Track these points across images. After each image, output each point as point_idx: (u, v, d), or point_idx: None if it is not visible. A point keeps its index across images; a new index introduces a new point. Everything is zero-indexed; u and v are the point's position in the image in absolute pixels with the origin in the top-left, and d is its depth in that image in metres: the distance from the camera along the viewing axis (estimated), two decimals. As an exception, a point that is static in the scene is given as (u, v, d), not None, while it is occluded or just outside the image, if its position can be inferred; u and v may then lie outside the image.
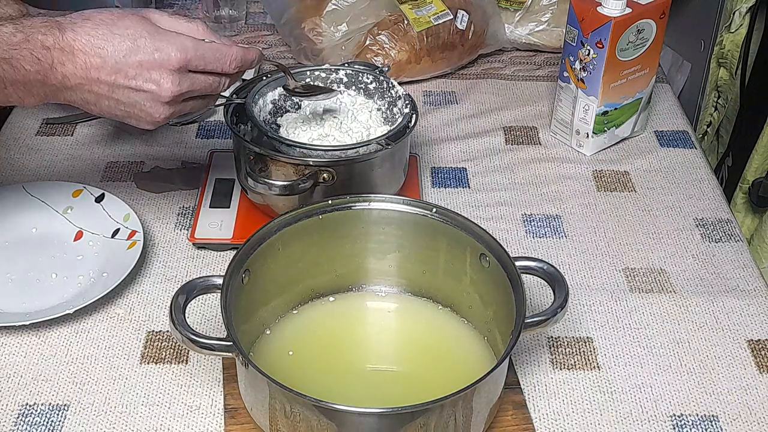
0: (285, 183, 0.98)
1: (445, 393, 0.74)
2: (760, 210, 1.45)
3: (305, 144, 1.02)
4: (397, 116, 1.08)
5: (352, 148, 1.01)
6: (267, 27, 1.54)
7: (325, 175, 0.99)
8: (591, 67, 1.18)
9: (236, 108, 1.07)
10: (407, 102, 1.07)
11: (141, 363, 0.92)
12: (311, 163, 0.99)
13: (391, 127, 1.05)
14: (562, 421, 0.88)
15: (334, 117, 1.07)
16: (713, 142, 1.62)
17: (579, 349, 0.95)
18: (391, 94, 1.10)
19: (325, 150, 1.01)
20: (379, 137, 1.03)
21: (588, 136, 1.24)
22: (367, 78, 1.12)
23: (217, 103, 1.17)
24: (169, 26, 0.87)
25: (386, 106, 1.11)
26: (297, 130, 1.06)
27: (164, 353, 0.93)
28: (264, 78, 1.10)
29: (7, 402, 0.88)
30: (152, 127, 0.89)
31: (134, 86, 0.84)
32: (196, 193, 1.14)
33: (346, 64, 1.15)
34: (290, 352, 0.91)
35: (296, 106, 1.11)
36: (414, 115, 1.06)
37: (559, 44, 1.38)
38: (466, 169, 1.22)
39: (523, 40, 1.47)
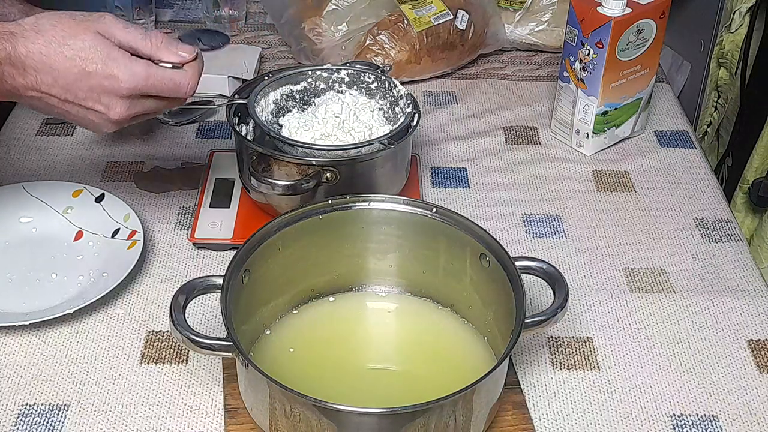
0: (288, 183, 0.98)
1: (445, 393, 0.74)
2: (760, 210, 1.45)
3: (308, 144, 1.02)
4: (399, 116, 1.08)
5: (355, 148, 1.01)
6: (267, 27, 1.53)
7: (328, 174, 0.99)
8: (591, 67, 1.19)
9: (238, 108, 1.07)
10: (409, 101, 1.07)
11: (141, 363, 0.92)
12: (314, 162, 0.99)
13: (394, 127, 1.05)
14: (562, 421, 0.88)
15: (336, 117, 1.07)
16: (713, 142, 1.62)
17: (579, 349, 0.95)
18: (393, 93, 1.10)
19: (327, 149, 1.01)
20: (381, 137, 1.03)
21: (588, 136, 1.24)
22: (369, 78, 1.12)
23: (218, 103, 1.18)
24: (123, 40, 0.86)
25: (388, 105, 1.10)
26: (299, 129, 1.06)
27: (164, 353, 0.93)
28: (266, 78, 1.10)
29: (7, 402, 0.88)
30: (100, 134, 0.88)
31: (85, 105, 0.85)
32: (196, 193, 1.14)
33: (348, 64, 1.15)
34: (291, 349, 0.91)
35: (298, 106, 1.11)
36: (416, 115, 1.06)
37: (559, 44, 1.38)
38: (466, 169, 1.22)
39: (523, 40, 1.47)
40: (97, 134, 0.88)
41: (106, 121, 0.87)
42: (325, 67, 1.13)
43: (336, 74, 1.12)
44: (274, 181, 0.98)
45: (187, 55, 0.88)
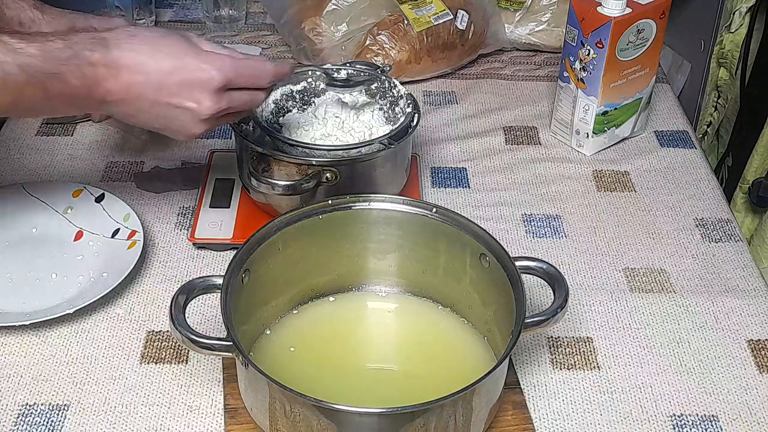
0: (288, 183, 0.98)
1: (445, 393, 0.74)
2: (760, 210, 1.45)
3: (308, 144, 1.02)
4: (399, 116, 1.08)
5: (355, 148, 1.01)
6: (267, 27, 1.53)
7: (328, 174, 0.99)
8: (591, 67, 1.18)
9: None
10: (409, 101, 1.07)
11: (141, 363, 0.92)
12: (314, 162, 0.99)
13: (394, 127, 1.05)
14: (562, 421, 0.88)
15: (336, 117, 1.07)
16: (713, 142, 1.62)
17: (579, 349, 0.95)
18: (393, 93, 1.10)
19: (327, 150, 1.01)
20: (381, 137, 1.03)
21: (588, 136, 1.24)
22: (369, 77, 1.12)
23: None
24: (208, 48, 0.90)
25: (388, 105, 1.10)
26: (299, 130, 1.06)
27: (164, 353, 0.93)
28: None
29: (7, 402, 0.88)
30: (188, 140, 0.92)
31: (175, 103, 0.87)
32: (196, 193, 1.14)
33: (348, 64, 1.15)
34: (291, 348, 0.91)
35: (298, 107, 1.11)
36: (416, 115, 1.06)
37: (559, 44, 1.38)
38: (466, 169, 1.22)
39: (523, 40, 1.47)
40: (184, 140, 0.92)
41: (196, 120, 0.88)
42: (325, 66, 1.13)
43: (336, 74, 1.12)
44: (274, 181, 0.98)
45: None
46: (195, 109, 0.87)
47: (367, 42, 1.35)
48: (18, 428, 0.85)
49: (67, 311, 0.94)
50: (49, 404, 0.88)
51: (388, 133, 1.03)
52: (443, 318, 0.96)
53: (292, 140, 1.01)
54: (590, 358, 0.95)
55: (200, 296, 0.84)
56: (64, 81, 0.82)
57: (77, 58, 0.83)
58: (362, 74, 1.11)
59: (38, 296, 0.98)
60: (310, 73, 1.12)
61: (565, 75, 1.23)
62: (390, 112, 1.10)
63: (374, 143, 1.02)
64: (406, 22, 1.36)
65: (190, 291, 0.83)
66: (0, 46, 0.80)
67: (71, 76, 0.83)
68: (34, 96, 0.82)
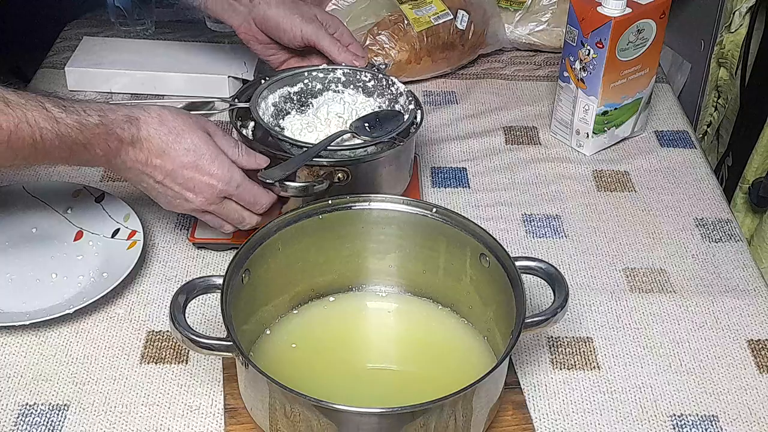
0: (302, 184, 0.98)
1: (445, 393, 0.74)
2: (760, 210, 1.45)
3: (314, 145, 1.01)
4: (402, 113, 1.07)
5: (361, 148, 1.01)
6: (267, 27, 1.53)
7: (339, 174, 0.99)
8: (591, 67, 1.18)
9: (238, 112, 1.07)
10: (410, 99, 1.07)
11: (141, 363, 0.92)
12: (325, 163, 0.98)
13: (398, 125, 1.04)
14: (562, 421, 0.88)
15: (339, 117, 1.07)
16: (713, 142, 1.62)
17: (579, 349, 0.95)
18: (392, 91, 1.10)
19: (335, 150, 1.00)
20: (387, 134, 1.02)
21: (588, 136, 1.24)
22: (365, 76, 1.11)
23: (221, 107, 1.16)
24: (224, 147, 0.96)
25: (387, 103, 1.10)
26: (302, 131, 1.05)
27: (164, 353, 0.93)
28: (263, 81, 1.09)
29: (7, 402, 0.88)
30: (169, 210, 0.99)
31: (176, 190, 0.95)
32: (196, 193, 1.14)
33: (344, 63, 1.14)
34: (293, 345, 0.91)
35: (297, 108, 1.11)
36: (419, 112, 1.06)
37: (559, 44, 1.38)
38: (466, 169, 1.22)
39: (523, 40, 1.47)
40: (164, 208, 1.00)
41: (184, 206, 0.96)
42: (321, 67, 1.12)
43: (332, 74, 1.12)
44: (287, 184, 0.97)
45: (263, 162, 0.98)
46: (189, 199, 0.95)
47: (367, 42, 1.35)
48: (18, 428, 0.85)
49: (67, 311, 0.94)
50: (49, 404, 0.88)
51: (393, 131, 1.02)
52: (443, 318, 0.96)
53: (301, 142, 1.00)
54: (590, 358, 0.95)
55: (200, 296, 0.84)
56: (89, 149, 0.90)
57: (108, 135, 0.90)
58: (359, 73, 1.11)
59: (38, 296, 0.98)
60: (306, 74, 1.12)
61: (565, 75, 1.23)
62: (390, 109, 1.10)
63: (380, 142, 1.01)
64: (406, 22, 1.36)
65: (190, 291, 0.83)
66: (42, 113, 0.87)
67: (98, 146, 0.90)
68: (60, 157, 0.89)
